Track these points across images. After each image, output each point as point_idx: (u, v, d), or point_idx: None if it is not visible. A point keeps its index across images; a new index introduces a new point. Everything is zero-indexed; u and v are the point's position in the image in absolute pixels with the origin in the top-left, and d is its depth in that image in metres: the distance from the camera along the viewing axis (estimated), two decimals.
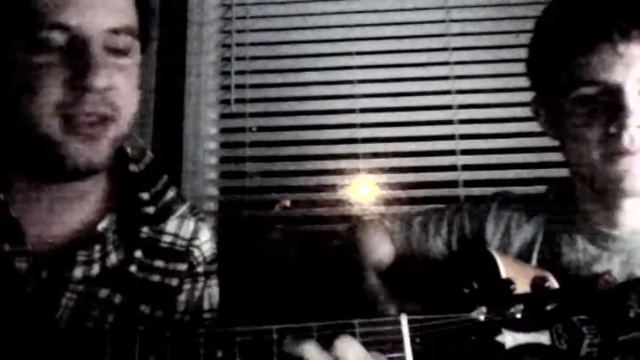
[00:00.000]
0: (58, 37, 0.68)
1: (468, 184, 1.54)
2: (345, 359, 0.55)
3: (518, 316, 0.53)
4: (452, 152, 1.56)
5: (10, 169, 0.76)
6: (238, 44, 1.67)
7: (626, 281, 0.54)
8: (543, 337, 0.52)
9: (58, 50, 0.68)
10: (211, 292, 0.88)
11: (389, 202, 1.56)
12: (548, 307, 0.53)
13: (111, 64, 0.70)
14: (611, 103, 0.76)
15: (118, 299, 0.79)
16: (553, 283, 0.59)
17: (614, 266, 0.84)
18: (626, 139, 0.76)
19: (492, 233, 0.95)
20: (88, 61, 0.68)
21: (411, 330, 0.55)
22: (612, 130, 0.76)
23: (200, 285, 0.87)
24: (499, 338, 0.53)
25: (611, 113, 0.77)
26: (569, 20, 0.81)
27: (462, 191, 1.53)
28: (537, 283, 0.56)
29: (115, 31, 0.71)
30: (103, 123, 0.71)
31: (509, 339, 0.53)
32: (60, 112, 0.68)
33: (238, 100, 1.64)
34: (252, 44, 1.67)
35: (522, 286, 0.57)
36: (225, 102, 1.66)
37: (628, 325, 0.51)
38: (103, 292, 0.78)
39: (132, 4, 0.74)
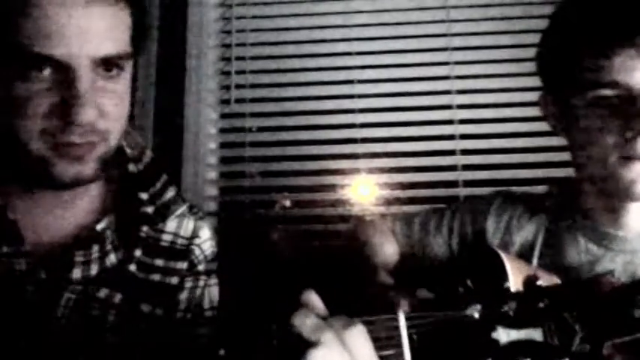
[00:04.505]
0: (48, 68, 0.66)
1: (468, 184, 1.54)
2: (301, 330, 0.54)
3: (512, 313, 0.54)
4: (452, 152, 1.57)
5: (6, 180, 0.76)
6: (238, 44, 1.67)
7: (631, 282, 0.54)
8: (536, 334, 0.53)
9: (46, 79, 0.66)
10: (212, 291, 0.88)
11: (389, 202, 1.56)
12: (541, 305, 0.54)
13: (100, 89, 0.69)
14: (629, 107, 0.75)
15: (118, 299, 0.78)
16: (549, 280, 0.60)
17: (616, 266, 0.84)
18: None
19: (493, 232, 0.94)
20: (75, 94, 0.66)
21: (409, 327, 0.56)
22: (628, 135, 0.75)
23: (201, 283, 0.87)
24: (494, 335, 0.53)
25: (628, 118, 0.75)
26: (590, 20, 0.79)
27: (462, 191, 1.54)
28: (530, 281, 0.57)
29: (106, 59, 0.69)
30: (90, 146, 0.71)
31: (504, 335, 0.53)
32: (47, 137, 0.68)
33: (238, 100, 1.65)
34: (252, 44, 1.67)
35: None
36: (225, 102, 1.66)
37: (633, 326, 0.51)
38: (103, 292, 0.78)
39: (127, 27, 0.72)
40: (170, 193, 0.86)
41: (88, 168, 0.72)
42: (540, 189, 1.02)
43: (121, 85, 0.72)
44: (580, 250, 0.87)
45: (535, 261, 0.89)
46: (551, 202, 0.95)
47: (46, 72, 0.66)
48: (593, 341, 0.51)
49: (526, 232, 0.93)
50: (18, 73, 0.66)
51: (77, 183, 0.73)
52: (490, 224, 0.95)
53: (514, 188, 1.05)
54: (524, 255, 0.90)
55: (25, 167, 0.71)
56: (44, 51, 0.65)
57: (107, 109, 0.70)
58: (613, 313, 0.52)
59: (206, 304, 0.87)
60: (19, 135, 0.68)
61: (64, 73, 0.67)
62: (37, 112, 0.67)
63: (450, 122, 1.58)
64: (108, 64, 0.70)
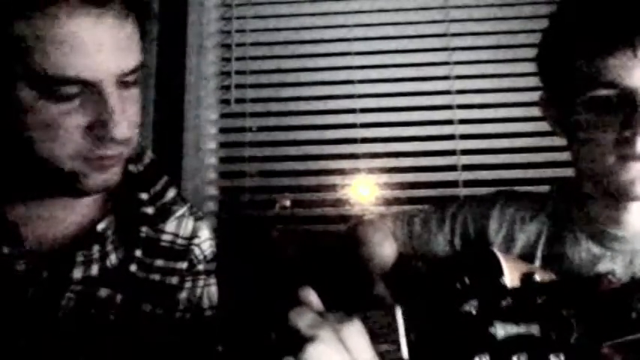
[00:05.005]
0: (74, 89, 0.66)
1: (468, 184, 1.54)
2: (298, 326, 0.54)
3: (509, 308, 0.54)
4: (452, 152, 1.57)
5: (6, 181, 0.76)
6: (238, 44, 1.67)
7: (630, 282, 0.54)
8: (534, 329, 0.53)
9: (75, 98, 0.67)
10: (211, 290, 0.89)
11: (389, 202, 1.56)
12: (539, 300, 0.54)
13: (125, 101, 0.70)
14: (627, 107, 0.75)
15: (118, 299, 0.79)
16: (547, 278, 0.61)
17: (617, 266, 0.84)
18: (639, 145, 0.75)
19: (495, 231, 0.94)
20: (108, 111, 0.67)
21: (406, 322, 0.56)
22: (626, 134, 0.75)
23: (201, 283, 0.87)
24: (491, 330, 0.53)
25: (626, 118, 0.75)
26: (589, 20, 0.79)
27: (462, 191, 1.54)
28: (527, 277, 0.57)
29: (127, 72, 0.70)
30: (120, 155, 0.72)
31: (501, 330, 0.54)
32: (81, 154, 0.69)
33: (238, 100, 1.65)
34: (252, 44, 1.67)
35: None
36: (225, 102, 1.66)
37: (632, 326, 0.51)
38: (104, 292, 0.78)
39: (138, 39, 0.73)
40: (170, 193, 0.87)
41: (115, 174, 0.73)
42: (541, 189, 1.02)
43: (136, 90, 0.74)
44: (581, 250, 0.87)
45: (537, 261, 0.89)
46: (552, 202, 0.95)
47: (74, 93, 0.66)
48: (591, 338, 0.51)
49: (528, 232, 0.93)
50: (45, 95, 0.66)
51: (104, 190, 0.74)
52: (492, 224, 0.95)
53: (514, 188, 1.05)
54: (527, 255, 0.90)
55: (50, 180, 0.71)
56: (71, 74, 0.65)
57: (131, 118, 0.71)
58: (613, 313, 0.52)
59: (205, 304, 0.87)
60: (49, 154, 0.68)
61: (92, 92, 0.67)
62: (69, 133, 0.67)
63: (450, 122, 1.58)
64: (128, 78, 0.71)
